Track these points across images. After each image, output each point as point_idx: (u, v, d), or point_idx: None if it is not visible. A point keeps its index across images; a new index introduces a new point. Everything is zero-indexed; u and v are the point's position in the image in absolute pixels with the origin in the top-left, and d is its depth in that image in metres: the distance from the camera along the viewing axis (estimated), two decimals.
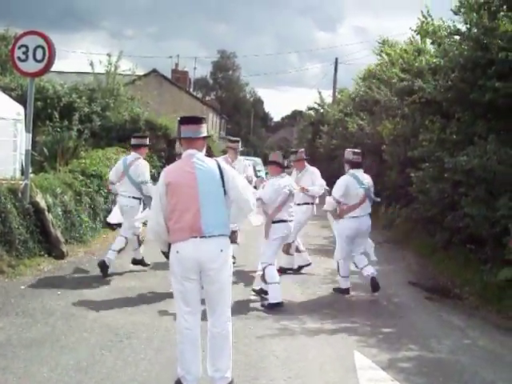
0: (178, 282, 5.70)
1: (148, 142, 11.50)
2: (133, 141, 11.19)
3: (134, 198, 10.70)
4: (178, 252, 5.62)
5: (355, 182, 10.29)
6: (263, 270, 9.34)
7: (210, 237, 5.60)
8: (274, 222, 9.26)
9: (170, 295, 8.98)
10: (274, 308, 8.94)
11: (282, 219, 9.35)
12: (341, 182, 10.34)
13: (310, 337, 7.84)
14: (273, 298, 9.05)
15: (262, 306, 9.10)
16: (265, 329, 8.06)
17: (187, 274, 5.62)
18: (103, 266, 10.22)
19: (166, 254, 6.01)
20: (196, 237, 5.57)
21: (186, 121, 5.98)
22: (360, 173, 10.53)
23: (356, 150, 11.24)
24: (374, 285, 10.16)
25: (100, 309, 8.41)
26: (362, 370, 6.68)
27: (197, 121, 5.97)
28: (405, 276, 12.47)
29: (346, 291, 10.39)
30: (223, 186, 5.77)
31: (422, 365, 7.07)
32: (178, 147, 9.84)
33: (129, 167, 10.70)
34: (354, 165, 10.57)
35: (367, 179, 10.61)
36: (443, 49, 14.06)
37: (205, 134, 5.99)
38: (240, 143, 13.10)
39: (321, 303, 9.59)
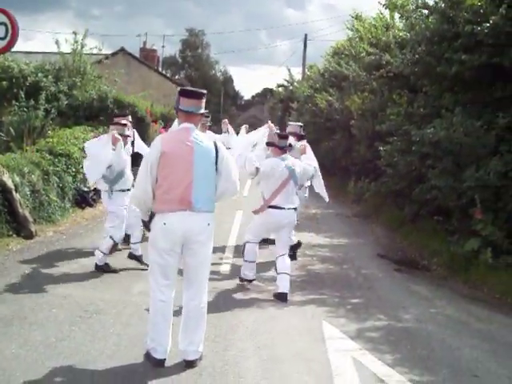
0: (158, 255, 5.69)
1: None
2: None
3: None
4: (164, 224, 5.61)
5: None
6: (244, 244, 9.09)
7: (199, 212, 5.63)
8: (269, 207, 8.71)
9: (139, 273, 9.11)
10: (245, 283, 8.99)
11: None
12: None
13: (279, 309, 7.90)
14: (244, 274, 8.99)
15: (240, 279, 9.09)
16: (234, 302, 8.13)
17: (171, 246, 5.63)
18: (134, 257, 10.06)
19: (146, 224, 6.01)
20: (185, 210, 5.58)
21: (188, 94, 5.92)
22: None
23: (300, 124, 11.72)
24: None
25: (69, 286, 8.37)
26: (330, 339, 6.75)
27: (199, 95, 5.91)
28: (374, 249, 12.60)
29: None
30: (216, 164, 5.80)
31: (390, 334, 7.18)
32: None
33: None
34: (299, 138, 10.85)
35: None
36: (410, 22, 14.14)
37: (203, 111, 5.98)
38: (209, 118, 13.03)
39: (290, 276, 9.64)
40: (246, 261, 8.93)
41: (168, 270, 5.72)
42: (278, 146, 8.72)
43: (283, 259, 8.58)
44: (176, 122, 13.21)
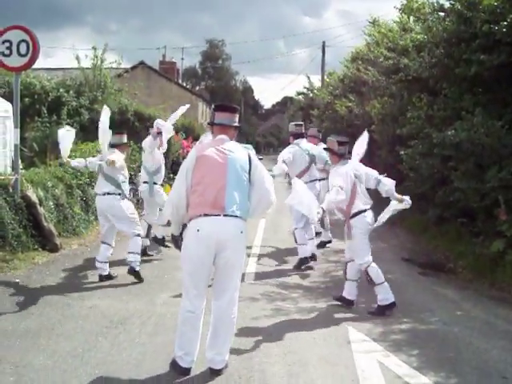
0: (191, 264, 5.71)
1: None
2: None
3: None
4: (198, 230, 5.61)
5: (299, 150, 10.95)
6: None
7: (231, 216, 5.64)
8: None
9: (163, 283, 9.16)
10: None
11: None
12: (287, 150, 10.99)
13: (304, 315, 7.90)
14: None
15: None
16: (259, 310, 8.12)
17: (204, 254, 5.63)
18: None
19: (177, 239, 6.02)
20: (219, 215, 5.60)
21: (221, 108, 6.09)
22: (303, 142, 11.28)
23: (298, 123, 12.16)
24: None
25: (95, 298, 8.46)
26: (355, 343, 6.74)
27: (232, 109, 6.09)
28: (398, 253, 12.54)
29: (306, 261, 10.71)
30: (249, 173, 5.85)
31: (416, 337, 7.14)
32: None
33: None
34: (297, 136, 11.33)
35: (311, 147, 11.34)
36: (427, 25, 14.09)
37: (237, 124, 6.08)
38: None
39: (314, 283, 9.62)
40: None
41: (199, 280, 5.72)
42: (338, 153, 8.50)
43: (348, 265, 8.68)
44: (204, 135, 13.52)
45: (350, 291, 8.47)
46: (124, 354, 6.23)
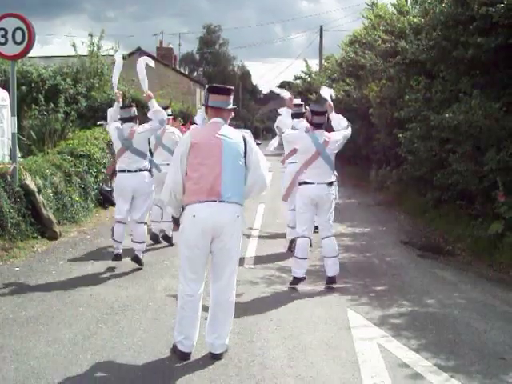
0: (188, 248, 5.73)
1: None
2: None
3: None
4: (194, 216, 5.64)
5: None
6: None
7: (227, 202, 5.66)
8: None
9: (163, 268, 9.19)
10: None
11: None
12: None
13: (303, 299, 7.93)
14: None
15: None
16: (258, 293, 8.16)
17: (200, 239, 5.66)
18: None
19: (177, 221, 6.06)
20: (214, 201, 5.63)
21: (215, 90, 6.00)
22: (301, 123, 10.46)
23: (298, 103, 11.53)
24: None
25: (95, 285, 8.46)
26: (355, 327, 6.76)
27: (226, 91, 6.00)
28: (397, 236, 12.57)
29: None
30: (245, 157, 5.85)
31: (415, 319, 7.17)
32: (120, 112, 9.76)
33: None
34: (297, 116, 10.68)
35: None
36: (424, 8, 14.06)
37: (231, 106, 6.03)
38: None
39: (313, 266, 9.62)
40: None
41: (197, 264, 5.75)
42: (313, 122, 8.52)
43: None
44: (199, 112, 13.49)
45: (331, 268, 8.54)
46: (125, 341, 6.24)
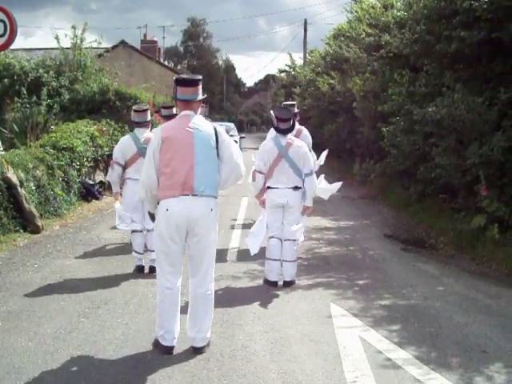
0: (163, 242, 5.72)
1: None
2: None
3: None
4: (167, 210, 5.63)
5: None
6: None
7: (201, 196, 5.64)
8: None
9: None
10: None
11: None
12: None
13: (287, 293, 7.93)
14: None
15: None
16: (241, 287, 8.19)
17: (174, 233, 5.65)
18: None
19: (153, 216, 6.03)
20: (187, 195, 5.61)
21: (183, 82, 5.91)
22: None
23: (290, 102, 11.61)
24: None
25: (77, 279, 8.43)
26: (337, 320, 6.78)
27: (194, 83, 5.91)
28: (380, 230, 12.62)
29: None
30: (217, 148, 5.81)
31: (397, 312, 7.19)
32: (133, 115, 9.28)
33: None
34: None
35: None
36: (408, 2, 14.08)
37: (201, 97, 5.97)
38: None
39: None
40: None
41: (173, 257, 5.73)
42: (277, 127, 8.41)
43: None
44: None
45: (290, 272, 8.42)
46: (107, 335, 6.22)
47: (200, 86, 5.94)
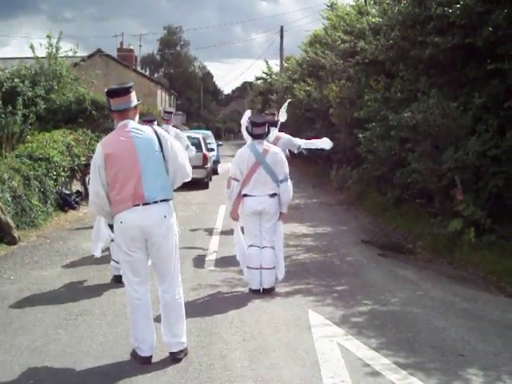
0: (123, 253, 5.70)
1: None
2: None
3: None
4: (121, 222, 5.61)
5: None
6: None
7: (153, 203, 5.60)
8: None
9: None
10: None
11: None
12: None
13: (265, 300, 7.90)
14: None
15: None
16: (220, 294, 8.16)
17: (133, 243, 5.61)
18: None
19: (112, 227, 5.98)
20: (139, 204, 5.56)
21: (114, 93, 5.81)
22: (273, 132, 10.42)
23: (270, 111, 11.68)
24: None
25: (54, 290, 8.37)
26: (316, 327, 6.76)
27: (125, 91, 5.82)
28: (358, 235, 12.64)
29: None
30: (162, 151, 5.75)
31: (375, 318, 7.19)
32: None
33: None
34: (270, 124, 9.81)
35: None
36: (383, 8, 14.19)
37: (135, 103, 5.90)
38: (172, 114, 13.91)
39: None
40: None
41: (136, 267, 5.71)
42: (251, 133, 8.41)
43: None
44: (164, 126, 13.61)
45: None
46: (84, 346, 6.17)
47: (133, 93, 5.87)
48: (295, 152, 11.70)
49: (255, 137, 8.33)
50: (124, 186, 5.57)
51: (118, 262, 8.75)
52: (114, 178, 5.60)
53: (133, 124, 5.79)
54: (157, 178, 5.69)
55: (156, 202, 5.63)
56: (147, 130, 5.82)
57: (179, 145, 6.08)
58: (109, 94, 5.83)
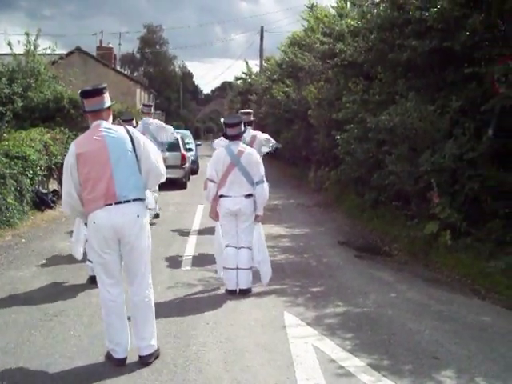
0: (97, 254, 5.68)
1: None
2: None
3: None
4: (94, 222, 5.58)
5: None
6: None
7: (125, 202, 5.59)
8: None
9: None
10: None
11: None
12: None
13: (241, 301, 7.92)
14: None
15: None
16: (196, 296, 8.14)
17: (106, 244, 5.59)
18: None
19: None
20: (111, 204, 5.54)
21: (87, 94, 5.81)
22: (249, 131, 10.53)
23: (247, 111, 11.70)
24: None
25: (29, 290, 8.31)
26: (291, 328, 6.78)
27: (98, 92, 5.82)
28: (335, 237, 12.68)
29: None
30: (134, 151, 5.74)
31: (350, 320, 7.22)
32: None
33: None
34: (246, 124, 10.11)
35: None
36: (362, 11, 14.25)
37: (109, 104, 5.91)
38: (151, 107, 15.09)
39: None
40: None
41: (110, 268, 5.69)
42: (227, 134, 8.44)
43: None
44: (141, 122, 13.70)
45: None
46: (59, 348, 6.14)
47: (106, 95, 5.87)
48: (271, 150, 11.69)
49: (230, 138, 8.35)
50: (96, 185, 5.56)
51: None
52: (86, 177, 5.59)
53: (105, 124, 5.77)
54: (129, 177, 5.67)
55: (128, 201, 5.61)
56: (120, 130, 5.81)
57: (153, 145, 6.07)
58: (83, 95, 5.85)
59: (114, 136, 5.70)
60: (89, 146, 5.66)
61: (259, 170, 8.33)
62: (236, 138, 8.35)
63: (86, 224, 6.18)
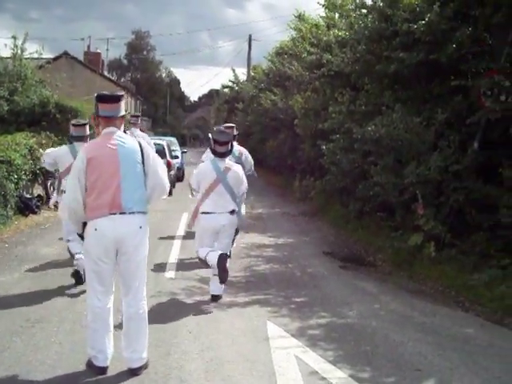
0: (93, 262, 5.62)
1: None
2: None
3: None
4: (96, 230, 5.53)
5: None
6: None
7: (129, 213, 5.57)
8: None
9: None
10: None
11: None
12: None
13: (223, 310, 7.89)
14: None
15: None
16: (178, 304, 8.10)
17: (105, 252, 5.55)
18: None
19: (82, 236, 5.90)
20: (115, 213, 5.51)
21: (104, 99, 5.80)
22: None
23: (229, 125, 11.53)
24: None
25: (11, 295, 8.24)
26: (273, 339, 6.76)
27: (115, 99, 5.81)
28: (319, 247, 12.69)
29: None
30: (143, 164, 5.73)
31: (333, 331, 7.22)
32: (72, 130, 9.26)
33: None
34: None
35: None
36: (350, 22, 14.29)
37: (123, 113, 5.90)
38: (139, 118, 14.66)
39: (235, 277, 9.60)
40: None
41: (104, 277, 5.64)
42: (215, 150, 8.41)
43: None
44: (128, 133, 13.56)
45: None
46: (39, 355, 6.08)
47: (122, 103, 5.86)
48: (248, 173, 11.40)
49: (219, 155, 8.36)
50: (102, 193, 5.53)
51: (73, 257, 8.68)
52: (93, 183, 5.56)
53: (119, 133, 5.76)
54: (136, 190, 5.67)
55: (133, 213, 5.60)
56: (131, 141, 5.79)
57: (160, 160, 6.06)
58: (98, 99, 5.80)
59: (125, 146, 5.68)
60: (100, 152, 5.63)
61: (242, 186, 8.45)
62: (224, 155, 8.35)
63: (78, 234, 6.08)
